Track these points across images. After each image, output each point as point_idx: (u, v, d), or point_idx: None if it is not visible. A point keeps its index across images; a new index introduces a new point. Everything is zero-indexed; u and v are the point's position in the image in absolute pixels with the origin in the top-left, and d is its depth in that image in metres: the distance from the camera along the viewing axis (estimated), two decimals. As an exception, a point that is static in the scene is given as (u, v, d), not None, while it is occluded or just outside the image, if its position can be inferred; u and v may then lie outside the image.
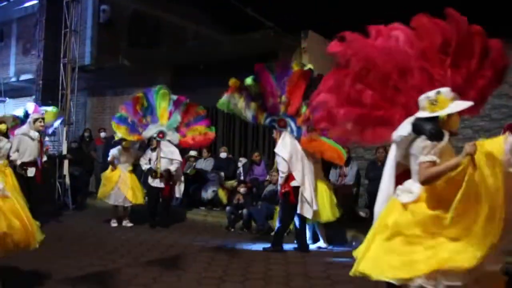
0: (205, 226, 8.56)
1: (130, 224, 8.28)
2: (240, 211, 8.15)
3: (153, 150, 8.40)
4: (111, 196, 8.23)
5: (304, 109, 6.37)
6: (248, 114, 6.71)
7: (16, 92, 15.33)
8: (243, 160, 9.42)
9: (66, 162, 10.41)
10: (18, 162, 7.35)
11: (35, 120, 7.51)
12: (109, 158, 8.37)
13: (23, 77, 15.18)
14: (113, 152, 8.31)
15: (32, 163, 7.48)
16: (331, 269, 5.65)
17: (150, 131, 8.14)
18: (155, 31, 15.28)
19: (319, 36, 9.91)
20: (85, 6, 13.23)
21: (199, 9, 15.54)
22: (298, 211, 6.38)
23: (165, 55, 11.16)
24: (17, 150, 7.35)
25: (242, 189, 8.28)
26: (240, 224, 8.18)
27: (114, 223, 8.29)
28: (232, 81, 6.67)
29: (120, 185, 8.14)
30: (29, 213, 4.52)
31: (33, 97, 12.47)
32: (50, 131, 9.43)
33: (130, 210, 8.46)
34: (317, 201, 6.50)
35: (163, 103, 8.28)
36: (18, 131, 7.57)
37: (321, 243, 6.86)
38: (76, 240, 6.95)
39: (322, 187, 6.75)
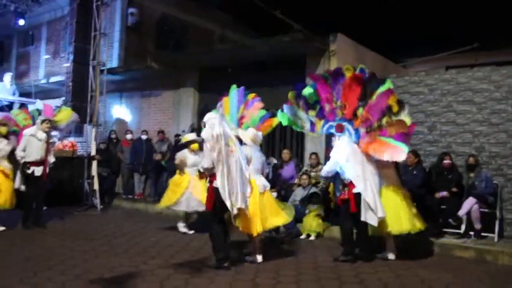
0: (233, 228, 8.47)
1: (191, 232, 7.86)
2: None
3: None
4: (181, 203, 7.68)
5: (360, 111, 6.21)
6: (307, 124, 6.57)
7: (46, 94, 15.59)
8: (274, 160, 9.27)
9: (94, 163, 10.51)
10: (21, 161, 7.58)
11: (43, 121, 7.74)
12: (176, 161, 7.97)
13: (53, 79, 15.47)
14: (181, 155, 7.88)
15: (39, 163, 7.67)
16: (363, 274, 5.57)
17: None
18: (182, 34, 15.40)
19: (348, 39, 9.83)
20: (113, 9, 13.40)
21: (226, 12, 15.62)
22: (362, 219, 5.98)
23: (192, 58, 11.21)
24: (24, 150, 7.57)
25: (273, 194, 8.15)
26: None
27: (183, 228, 7.88)
28: (289, 94, 6.57)
29: (192, 190, 7.64)
30: None
31: (63, 98, 12.67)
32: (60, 134, 9.02)
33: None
34: (387, 209, 6.10)
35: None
36: (26, 131, 7.78)
37: (390, 255, 6.38)
38: (106, 241, 6.97)
39: (395, 194, 6.35)
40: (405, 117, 6.07)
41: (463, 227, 7.08)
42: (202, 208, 7.24)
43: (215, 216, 5.62)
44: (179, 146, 8.00)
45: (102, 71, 11.39)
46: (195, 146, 7.72)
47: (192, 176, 7.69)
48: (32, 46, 17.85)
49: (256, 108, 6.87)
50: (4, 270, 5.09)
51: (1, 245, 6.33)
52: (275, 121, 6.91)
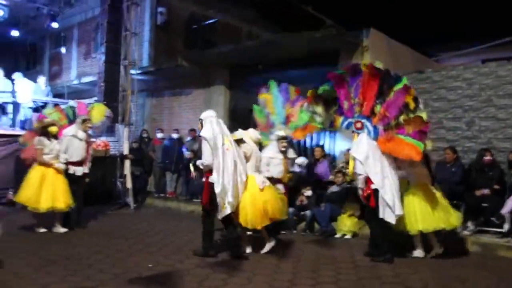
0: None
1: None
2: (302, 213, 7.99)
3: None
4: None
5: (378, 108, 6.15)
6: (327, 121, 6.55)
7: (78, 94, 15.83)
8: (305, 161, 9.14)
9: (127, 162, 10.60)
10: (63, 162, 7.44)
11: (83, 121, 7.71)
12: None
13: (85, 79, 15.70)
14: None
15: (80, 163, 7.65)
16: (403, 274, 5.44)
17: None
18: (210, 32, 15.42)
19: (381, 34, 9.62)
20: (143, 9, 13.48)
21: (253, 10, 15.57)
22: (380, 216, 5.96)
23: (222, 56, 11.16)
24: (65, 151, 7.47)
25: (307, 192, 8.08)
26: (302, 226, 8.00)
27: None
28: (309, 92, 6.52)
29: None
30: None
31: (95, 98, 12.83)
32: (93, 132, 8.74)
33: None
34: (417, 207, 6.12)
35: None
36: (66, 132, 7.65)
37: (418, 252, 6.30)
38: (140, 239, 6.99)
39: (426, 191, 6.24)
40: (421, 113, 5.97)
41: (506, 226, 6.80)
42: None
43: (210, 211, 5.94)
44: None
45: (133, 70, 11.48)
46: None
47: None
48: (64, 47, 18.14)
49: (300, 106, 6.82)
50: (45, 269, 5.15)
51: (41, 244, 6.41)
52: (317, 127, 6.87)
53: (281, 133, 7.15)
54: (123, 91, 11.35)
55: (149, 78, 13.24)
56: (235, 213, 5.87)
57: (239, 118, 11.94)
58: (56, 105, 12.25)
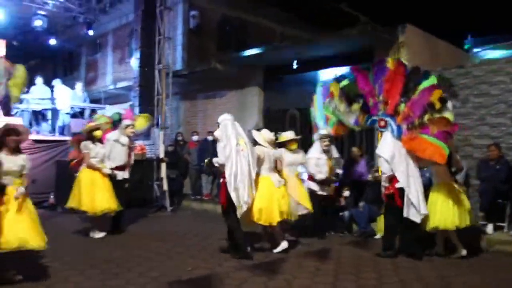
0: (304, 228, 8.28)
1: (292, 238, 7.00)
2: (341, 213, 7.84)
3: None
4: None
5: (402, 107, 6.08)
6: (351, 118, 6.45)
7: (113, 99, 16.13)
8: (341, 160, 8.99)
9: (163, 165, 10.68)
10: (109, 168, 7.50)
11: (127, 126, 7.75)
12: None
13: (120, 84, 15.98)
14: (278, 154, 7.02)
15: (121, 168, 7.69)
16: (448, 277, 5.25)
17: None
18: (242, 34, 15.43)
19: (418, 30, 9.39)
20: (176, 13, 13.61)
21: (284, 10, 15.50)
22: (405, 215, 5.94)
23: (256, 57, 11.12)
24: (109, 156, 7.54)
25: (345, 193, 7.93)
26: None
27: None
28: (332, 86, 6.47)
29: (289, 191, 6.84)
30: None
31: (130, 103, 13.03)
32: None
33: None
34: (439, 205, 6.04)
35: None
36: (109, 136, 7.71)
37: (461, 251, 6.16)
38: (179, 242, 7.00)
39: (448, 190, 6.13)
40: (448, 114, 5.83)
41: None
42: (302, 210, 6.89)
43: (229, 208, 5.94)
44: (276, 145, 7.11)
45: (167, 74, 11.58)
46: (293, 145, 7.19)
47: (291, 176, 7.01)
48: (100, 54, 18.54)
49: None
50: (86, 272, 5.21)
51: (82, 248, 6.51)
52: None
53: (322, 131, 7.13)
54: (158, 95, 11.48)
55: (183, 81, 13.34)
56: (249, 211, 5.97)
57: (274, 119, 11.91)
58: (92, 111, 12.64)
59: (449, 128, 5.78)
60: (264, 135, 6.60)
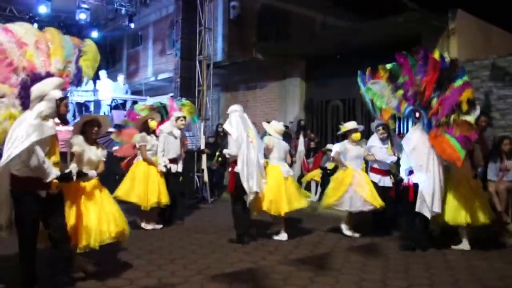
0: (336, 219, 7.96)
1: (357, 235, 6.86)
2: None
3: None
4: (344, 202, 6.68)
5: (434, 102, 5.85)
6: (393, 102, 6.21)
7: (154, 91, 16.24)
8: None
9: (204, 157, 10.65)
10: (163, 164, 7.37)
11: (177, 118, 7.63)
12: (332, 154, 7.19)
13: (161, 76, 16.07)
14: (340, 147, 6.93)
15: (175, 160, 7.60)
16: (507, 277, 4.92)
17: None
18: (283, 24, 15.18)
19: (470, 16, 8.92)
20: (216, 3, 13.52)
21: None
22: (417, 209, 5.87)
23: (298, 47, 10.90)
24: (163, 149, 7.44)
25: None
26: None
27: (348, 231, 6.87)
28: (382, 68, 6.29)
29: (356, 187, 6.65)
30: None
31: (171, 94, 13.03)
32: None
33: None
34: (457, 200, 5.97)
35: None
36: (163, 128, 7.57)
37: (463, 245, 6.11)
38: (221, 235, 6.87)
39: (466, 186, 6.07)
40: (472, 119, 5.67)
41: None
42: (368, 207, 6.65)
43: (237, 197, 6.36)
44: (338, 136, 7.01)
45: (208, 65, 11.52)
46: (357, 136, 6.90)
47: (357, 171, 6.78)
48: (141, 46, 18.72)
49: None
50: (131, 264, 5.18)
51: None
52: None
53: (377, 121, 6.90)
54: (199, 87, 11.43)
55: (224, 72, 13.26)
56: (259, 200, 6.34)
57: (316, 110, 11.68)
58: (134, 102, 12.71)
59: (470, 133, 5.60)
60: (274, 126, 6.82)
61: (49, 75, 4.21)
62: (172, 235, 6.81)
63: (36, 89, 3.98)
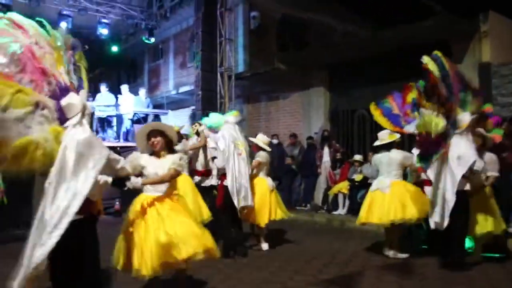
0: (366, 234, 7.61)
1: (405, 255, 6.19)
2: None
3: None
4: None
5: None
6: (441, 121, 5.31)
7: (176, 104, 16.16)
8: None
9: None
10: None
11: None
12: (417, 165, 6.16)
13: (182, 89, 15.98)
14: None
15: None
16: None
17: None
18: (304, 33, 14.95)
19: (503, 18, 8.51)
20: (236, 14, 13.38)
21: (344, 6, 14.87)
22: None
23: (321, 55, 10.61)
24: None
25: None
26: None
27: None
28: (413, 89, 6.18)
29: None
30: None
31: (192, 107, 12.90)
32: None
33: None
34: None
35: None
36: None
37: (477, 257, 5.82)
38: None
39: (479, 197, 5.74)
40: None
41: None
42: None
43: (225, 210, 6.22)
44: (381, 146, 6.42)
45: (229, 77, 11.33)
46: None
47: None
48: (161, 60, 18.72)
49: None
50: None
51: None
52: None
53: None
54: (221, 99, 11.26)
55: (245, 83, 13.05)
56: (247, 213, 6.35)
57: (341, 120, 11.35)
58: (156, 116, 12.59)
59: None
60: (262, 139, 6.91)
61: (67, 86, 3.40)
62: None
63: (77, 102, 3.27)
